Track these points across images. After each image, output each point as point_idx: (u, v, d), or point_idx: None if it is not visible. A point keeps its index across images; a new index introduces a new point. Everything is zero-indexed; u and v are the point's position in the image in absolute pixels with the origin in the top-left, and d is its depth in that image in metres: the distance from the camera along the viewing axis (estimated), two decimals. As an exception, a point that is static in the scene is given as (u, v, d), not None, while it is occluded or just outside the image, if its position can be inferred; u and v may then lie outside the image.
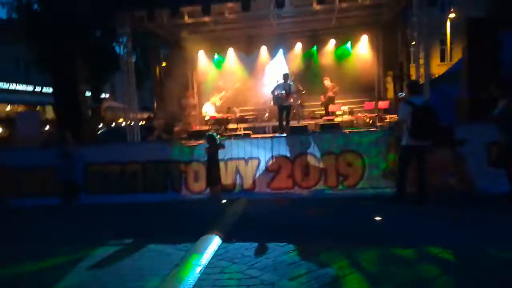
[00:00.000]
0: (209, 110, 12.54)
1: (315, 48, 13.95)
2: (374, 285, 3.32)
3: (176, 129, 11.92)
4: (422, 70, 9.29)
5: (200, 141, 7.46)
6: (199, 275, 3.66)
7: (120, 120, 28.44)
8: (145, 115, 19.91)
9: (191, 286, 3.43)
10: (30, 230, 5.97)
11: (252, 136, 9.53)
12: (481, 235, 4.40)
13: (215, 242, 4.52)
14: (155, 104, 16.09)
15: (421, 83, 8.88)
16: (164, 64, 14.69)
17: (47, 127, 17.67)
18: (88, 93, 15.60)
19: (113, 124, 25.08)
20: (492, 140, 6.14)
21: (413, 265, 3.72)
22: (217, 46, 14.35)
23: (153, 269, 3.92)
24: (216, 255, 4.18)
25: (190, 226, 5.33)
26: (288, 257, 4.04)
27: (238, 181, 7.23)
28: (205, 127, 12.29)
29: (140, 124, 12.39)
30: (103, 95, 24.40)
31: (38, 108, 23.88)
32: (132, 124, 10.19)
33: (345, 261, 3.85)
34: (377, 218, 5.22)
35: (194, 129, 12.45)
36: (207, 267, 3.87)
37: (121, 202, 7.18)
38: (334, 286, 3.35)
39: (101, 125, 20.01)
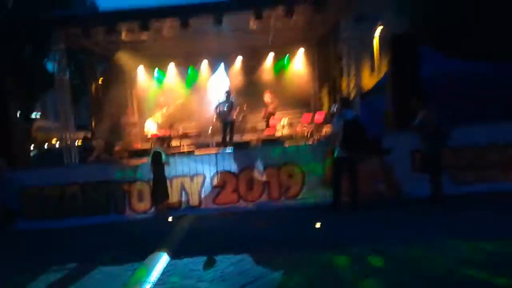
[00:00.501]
0: (151, 128, 12.40)
1: (254, 64, 14.37)
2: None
3: (116, 148, 11.65)
4: (352, 83, 10.03)
5: (143, 160, 7.45)
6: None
7: (53, 141, 27.05)
8: (82, 135, 19.14)
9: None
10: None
11: (196, 152, 9.63)
12: (406, 236, 4.90)
13: (164, 259, 4.60)
14: (93, 122, 15.61)
15: (352, 96, 9.61)
16: (100, 80, 14.33)
17: None
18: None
19: (46, 145, 23.78)
20: (415, 148, 6.83)
21: (348, 267, 4.07)
22: (156, 62, 14.25)
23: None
24: (165, 271, 4.28)
25: (137, 246, 5.33)
26: (235, 267, 4.25)
27: (183, 198, 7.31)
28: (147, 145, 12.14)
29: (76, 144, 11.94)
30: (33, 115, 23.13)
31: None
32: (68, 144, 9.85)
33: (289, 267, 4.11)
34: (316, 226, 5.58)
35: (135, 147, 12.25)
36: (157, 284, 3.95)
37: (62, 226, 6.96)
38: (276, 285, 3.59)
39: (32, 146, 18.93)
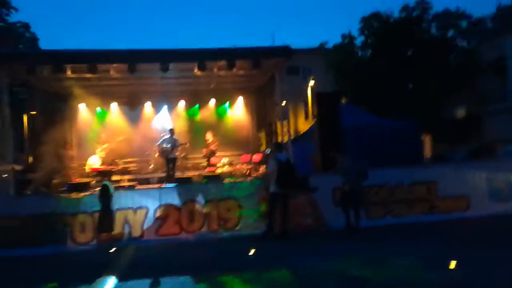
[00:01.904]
0: (95, 162, 12.53)
1: (197, 106, 15.23)
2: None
3: (55, 181, 11.58)
4: (285, 128, 11.28)
5: (83, 194, 7.78)
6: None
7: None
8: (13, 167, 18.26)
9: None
10: None
11: (137, 187, 10.00)
12: (323, 258, 5.85)
13: (111, 282, 5.02)
14: (28, 156, 15.21)
15: (285, 141, 10.77)
16: (34, 113, 14.18)
17: None
18: None
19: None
20: (336, 187, 7.98)
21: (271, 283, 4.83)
22: (99, 100, 14.48)
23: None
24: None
25: (83, 273, 5.63)
26: (178, 286, 4.79)
27: (126, 229, 7.67)
28: (86, 179, 12.18)
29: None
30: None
31: None
32: (4, 177, 9.76)
33: (221, 286, 4.77)
34: (250, 253, 6.32)
35: (74, 181, 12.23)
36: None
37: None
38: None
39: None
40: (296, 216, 7.85)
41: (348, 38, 21.16)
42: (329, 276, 4.98)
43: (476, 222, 7.64)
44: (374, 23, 20.28)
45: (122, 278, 5.25)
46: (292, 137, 14.80)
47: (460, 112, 20.32)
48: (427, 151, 17.02)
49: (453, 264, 4.85)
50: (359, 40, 21.21)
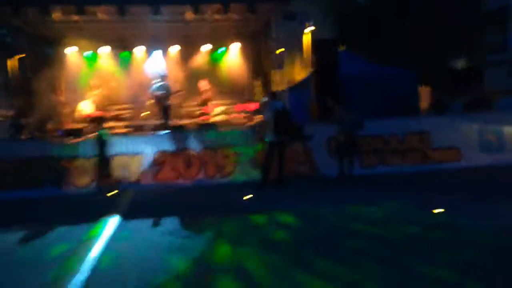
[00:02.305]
0: (86, 108, 12.36)
1: (191, 51, 14.84)
2: (239, 242, 4.48)
3: (48, 127, 11.51)
4: (281, 76, 11.16)
5: (80, 139, 7.80)
6: (107, 241, 4.38)
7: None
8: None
9: (102, 250, 4.13)
10: None
11: (132, 133, 9.99)
12: (317, 203, 6.08)
13: (114, 220, 5.20)
14: (18, 101, 14.96)
15: (280, 89, 10.68)
16: (21, 57, 13.75)
17: None
18: None
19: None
20: (331, 136, 8.06)
21: (269, 226, 5.04)
22: (89, 44, 14.07)
23: (62, 242, 4.47)
24: (118, 228, 4.94)
25: (87, 212, 5.81)
26: (178, 226, 5.06)
27: (126, 174, 7.78)
28: (80, 125, 12.11)
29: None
30: None
31: None
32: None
33: (216, 225, 5.01)
34: (245, 198, 6.50)
35: (67, 127, 12.16)
36: (112, 237, 4.60)
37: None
38: (211, 239, 4.44)
39: None
40: (291, 163, 7.99)
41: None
42: (321, 218, 5.19)
43: (467, 173, 7.86)
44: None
45: (124, 217, 5.45)
46: (289, 86, 14.69)
47: (460, 63, 20.13)
48: (425, 101, 17.06)
49: (439, 210, 5.04)
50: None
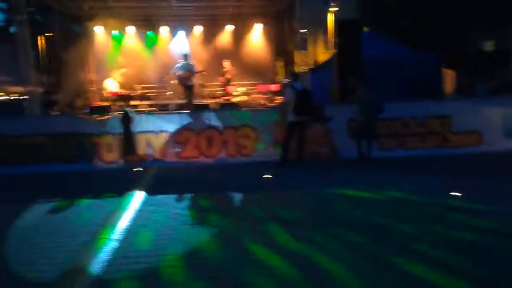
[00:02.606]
0: (110, 86, 12.76)
1: (213, 31, 14.95)
2: (254, 217, 4.73)
3: (78, 104, 11.99)
4: (304, 57, 11.18)
5: (107, 116, 8.16)
6: (135, 214, 4.70)
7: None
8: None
9: (130, 222, 4.46)
10: None
11: (156, 112, 10.31)
12: (335, 183, 6.26)
13: (140, 194, 5.53)
14: (47, 78, 15.53)
15: (303, 70, 10.71)
16: (51, 35, 14.19)
17: None
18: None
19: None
20: (352, 118, 8.12)
21: (285, 202, 5.25)
22: (116, 23, 14.38)
23: (93, 214, 4.82)
24: (144, 202, 5.27)
25: (114, 187, 6.14)
26: (202, 202, 5.35)
27: (149, 151, 8.11)
28: (106, 103, 12.54)
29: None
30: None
31: None
32: (30, 97, 10.19)
33: (238, 201, 5.27)
34: (265, 176, 6.72)
35: (95, 104, 12.61)
36: (139, 210, 4.92)
37: (33, 171, 7.51)
38: (233, 213, 4.69)
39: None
40: (311, 144, 8.12)
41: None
42: (338, 198, 5.37)
43: (488, 157, 7.81)
44: None
45: (149, 192, 5.77)
46: (311, 67, 14.68)
47: (488, 46, 19.46)
48: (449, 85, 16.70)
49: (456, 192, 5.13)
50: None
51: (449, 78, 15.02)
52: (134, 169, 7.54)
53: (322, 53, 29.21)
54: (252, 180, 6.62)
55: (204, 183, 6.49)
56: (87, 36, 14.64)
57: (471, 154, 8.10)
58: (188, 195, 5.61)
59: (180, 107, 12.18)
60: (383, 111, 7.63)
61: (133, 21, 14.48)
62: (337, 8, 24.71)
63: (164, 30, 14.82)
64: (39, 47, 17.74)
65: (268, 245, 3.73)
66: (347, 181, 6.36)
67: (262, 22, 14.94)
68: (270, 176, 6.72)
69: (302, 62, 11.25)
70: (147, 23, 14.58)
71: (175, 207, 5.09)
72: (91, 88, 13.68)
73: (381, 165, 7.48)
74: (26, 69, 10.17)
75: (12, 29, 20.37)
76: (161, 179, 6.85)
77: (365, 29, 17.78)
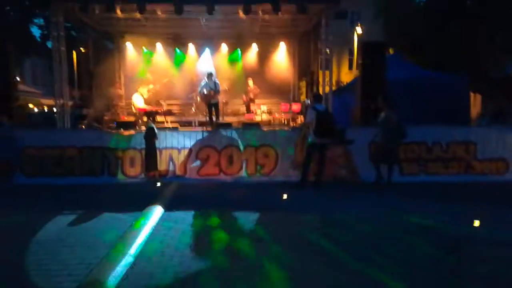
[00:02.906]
0: (137, 101, 13.16)
1: (239, 50, 15.27)
2: (271, 235, 4.74)
3: (105, 118, 12.40)
4: (327, 78, 11.24)
5: (133, 131, 8.41)
6: (151, 230, 4.81)
7: (31, 106, 27.05)
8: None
9: (147, 237, 4.56)
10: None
11: (179, 129, 10.53)
12: (351, 206, 6.18)
13: (159, 210, 5.64)
14: (79, 92, 16.21)
15: (326, 91, 10.75)
16: (84, 51, 14.81)
17: None
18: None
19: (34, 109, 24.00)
20: (373, 141, 8.07)
21: (302, 223, 5.25)
22: (146, 40, 14.93)
23: (112, 228, 4.95)
24: (162, 218, 5.37)
25: (134, 201, 6.29)
26: (218, 219, 5.41)
27: (171, 167, 8.29)
28: (133, 118, 12.92)
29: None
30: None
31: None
32: (62, 110, 10.62)
33: (255, 221, 5.31)
34: (284, 197, 6.73)
35: (122, 119, 13.00)
36: (157, 226, 5.03)
37: (59, 183, 7.80)
38: (249, 232, 4.73)
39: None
40: (331, 166, 8.11)
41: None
42: (354, 221, 5.32)
43: (513, 186, 7.59)
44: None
45: (168, 208, 5.88)
46: (334, 88, 14.68)
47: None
48: (476, 110, 16.36)
49: (478, 223, 5.00)
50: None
51: (476, 102, 14.73)
52: (155, 184, 7.70)
53: (346, 74, 29.28)
54: (271, 200, 6.64)
55: (223, 201, 6.55)
56: (118, 52, 15.27)
57: (496, 182, 7.89)
58: (206, 213, 5.69)
59: (203, 124, 12.44)
60: (406, 136, 7.54)
61: (162, 39, 14.99)
62: (362, 29, 24.82)
63: (191, 48, 15.26)
64: (73, 61, 18.54)
65: (283, 266, 3.74)
66: (366, 204, 6.31)
67: (287, 42, 15.16)
68: (288, 196, 6.73)
69: (326, 83, 11.27)
70: (176, 41, 15.07)
71: (192, 224, 5.18)
72: (120, 103, 14.14)
73: (402, 190, 7.36)
74: (60, 83, 10.64)
75: (48, 44, 21.41)
76: (180, 195, 6.96)
77: (390, 51, 17.77)
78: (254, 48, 15.28)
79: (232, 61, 15.38)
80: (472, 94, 13.62)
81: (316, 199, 6.84)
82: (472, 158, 8.25)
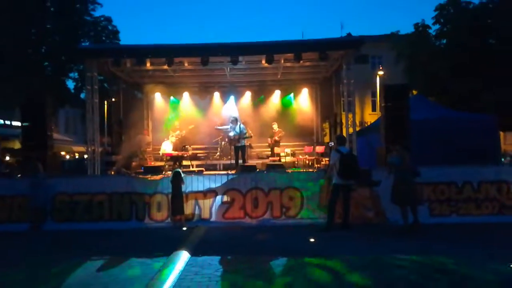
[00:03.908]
0: (167, 148, 13.55)
1: (262, 96, 15.70)
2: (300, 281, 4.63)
3: (133, 164, 12.77)
4: (350, 120, 11.32)
5: (159, 176, 8.60)
6: (178, 275, 4.80)
7: (63, 153, 28.15)
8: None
9: (174, 283, 4.55)
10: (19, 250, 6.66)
11: (204, 172, 10.71)
12: (381, 249, 6.00)
13: (185, 255, 5.64)
14: (109, 139, 16.85)
15: (350, 132, 10.79)
16: (115, 100, 15.55)
17: (7, 157, 17.80)
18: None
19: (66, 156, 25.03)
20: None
21: (331, 268, 5.12)
22: (173, 89, 15.63)
23: (139, 274, 4.98)
24: (188, 264, 5.34)
25: (161, 246, 6.32)
26: (245, 265, 5.31)
27: (196, 211, 8.35)
28: (160, 163, 13.26)
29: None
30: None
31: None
32: (93, 157, 11.07)
33: (282, 267, 5.21)
34: (311, 240, 6.61)
35: (149, 164, 13.36)
36: (183, 271, 5.01)
37: (89, 228, 7.96)
38: (277, 278, 4.63)
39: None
40: (358, 208, 7.98)
41: (421, 27, 20.15)
42: (383, 265, 5.14)
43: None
44: (451, 10, 19.09)
45: (194, 253, 5.87)
46: (358, 129, 14.72)
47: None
48: (506, 149, 15.92)
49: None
50: (433, 30, 20.14)
51: (507, 141, 14.36)
52: (180, 228, 7.75)
53: (370, 115, 29.32)
54: (297, 243, 6.53)
55: (249, 245, 6.48)
56: (147, 100, 15.99)
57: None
58: (232, 258, 5.64)
59: (228, 167, 12.61)
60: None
61: (188, 87, 15.65)
62: (384, 72, 25.12)
63: (216, 95, 15.82)
64: (104, 110, 19.47)
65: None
66: (394, 248, 6.10)
67: (309, 86, 15.50)
68: (315, 240, 6.61)
69: (349, 124, 11.34)
70: (202, 89, 15.70)
71: (217, 269, 5.13)
72: (147, 149, 14.60)
73: (433, 232, 7.10)
74: (92, 131, 11.17)
75: (82, 95, 22.69)
76: (206, 239, 6.95)
77: (414, 92, 17.81)
78: (277, 94, 15.68)
79: (256, 106, 15.77)
80: (504, 133, 13.33)
81: (343, 242, 6.67)
82: (505, 198, 7.94)
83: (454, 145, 9.79)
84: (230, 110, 15.66)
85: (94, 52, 11.83)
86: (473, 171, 8.17)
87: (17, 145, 21.75)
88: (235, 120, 12.66)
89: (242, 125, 12.61)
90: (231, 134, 12.39)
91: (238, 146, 12.22)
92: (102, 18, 23.51)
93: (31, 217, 8.10)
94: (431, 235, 6.91)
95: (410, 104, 10.13)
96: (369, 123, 24.14)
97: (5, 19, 17.71)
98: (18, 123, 23.17)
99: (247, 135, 12.32)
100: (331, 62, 12.59)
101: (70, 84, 24.14)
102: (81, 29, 22.17)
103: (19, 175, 10.69)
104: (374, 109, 32.32)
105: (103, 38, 23.12)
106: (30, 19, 19.10)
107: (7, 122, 24.47)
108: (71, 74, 23.39)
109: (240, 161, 12.04)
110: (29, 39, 19.69)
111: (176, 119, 15.46)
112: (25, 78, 17.53)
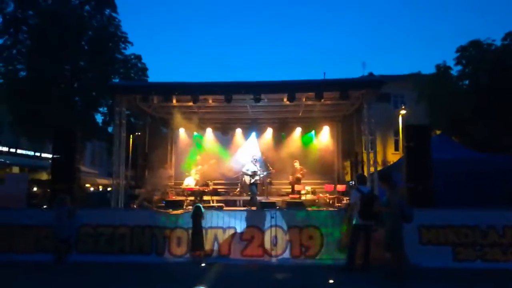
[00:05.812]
0: (190, 183, 13.75)
1: (283, 134, 15.88)
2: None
3: (155, 198, 12.97)
4: (371, 159, 11.27)
5: (180, 210, 8.73)
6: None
7: (87, 185, 28.82)
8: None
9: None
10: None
11: (224, 208, 10.78)
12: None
13: (203, 292, 5.67)
14: (133, 172, 17.26)
15: (371, 171, 10.74)
16: (140, 135, 16.04)
17: (35, 188, 18.41)
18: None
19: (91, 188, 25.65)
20: (422, 223, 7.80)
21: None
22: (196, 125, 16.01)
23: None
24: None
25: (179, 282, 6.37)
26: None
27: (215, 247, 8.38)
28: (181, 198, 13.41)
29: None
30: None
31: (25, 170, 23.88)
32: (118, 190, 11.36)
33: None
34: (330, 281, 6.51)
35: (171, 198, 13.54)
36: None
37: (110, 261, 8.08)
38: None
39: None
40: (378, 249, 7.81)
41: (442, 68, 20.23)
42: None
43: None
44: (472, 52, 19.17)
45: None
46: (380, 168, 14.59)
47: None
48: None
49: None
50: (455, 70, 20.19)
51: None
52: (199, 264, 7.77)
53: (393, 154, 28.97)
54: (316, 285, 6.44)
55: (266, 284, 6.44)
56: (171, 136, 16.41)
57: None
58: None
59: (248, 204, 12.64)
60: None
61: (211, 123, 16.04)
62: (406, 112, 25.05)
63: (238, 132, 16.11)
64: (129, 144, 20.07)
65: None
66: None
67: (330, 124, 15.62)
68: (335, 281, 6.51)
69: (370, 164, 11.29)
70: (223, 126, 16.04)
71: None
72: (169, 183, 14.83)
73: (457, 278, 6.89)
74: (118, 165, 11.52)
75: (109, 129, 23.43)
76: (224, 277, 6.95)
77: (437, 132, 17.65)
78: (298, 131, 15.83)
79: (277, 143, 15.92)
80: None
81: (363, 284, 6.54)
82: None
83: (477, 186, 9.60)
84: (251, 146, 15.86)
85: (124, 89, 12.42)
86: (497, 214, 7.97)
87: (44, 176, 22.49)
88: (256, 157, 12.84)
89: (262, 162, 12.75)
90: (251, 171, 12.52)
91: (253, 183, 12.35)
92: (132, 56, 24.65)
93: (56, 248, 8.28)
94: (456, 280, 6.70)
95: (434, 143, 10.09)
96: (391, 162, 23.85)
97: (47, 56, 18.85)
98: (47, 155, 24.13)
99: (269, 170, 12.43)
100: (352, 100, 12.74)
101: (98, 118, 25.04)
102: (112, 66, 23.27)
103: (45, 206, 11.02)
104: (397, 149, 31.83)
105: (132, 74, 24.14)
106: (67, 57, 20.24)
107: (37, 154, 25.47)
108: (100, 109, 24.37)
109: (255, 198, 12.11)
110: (64, 76, 20.77)
111: (198, 153, 15.73)
112: (57, 112, 18.35)
